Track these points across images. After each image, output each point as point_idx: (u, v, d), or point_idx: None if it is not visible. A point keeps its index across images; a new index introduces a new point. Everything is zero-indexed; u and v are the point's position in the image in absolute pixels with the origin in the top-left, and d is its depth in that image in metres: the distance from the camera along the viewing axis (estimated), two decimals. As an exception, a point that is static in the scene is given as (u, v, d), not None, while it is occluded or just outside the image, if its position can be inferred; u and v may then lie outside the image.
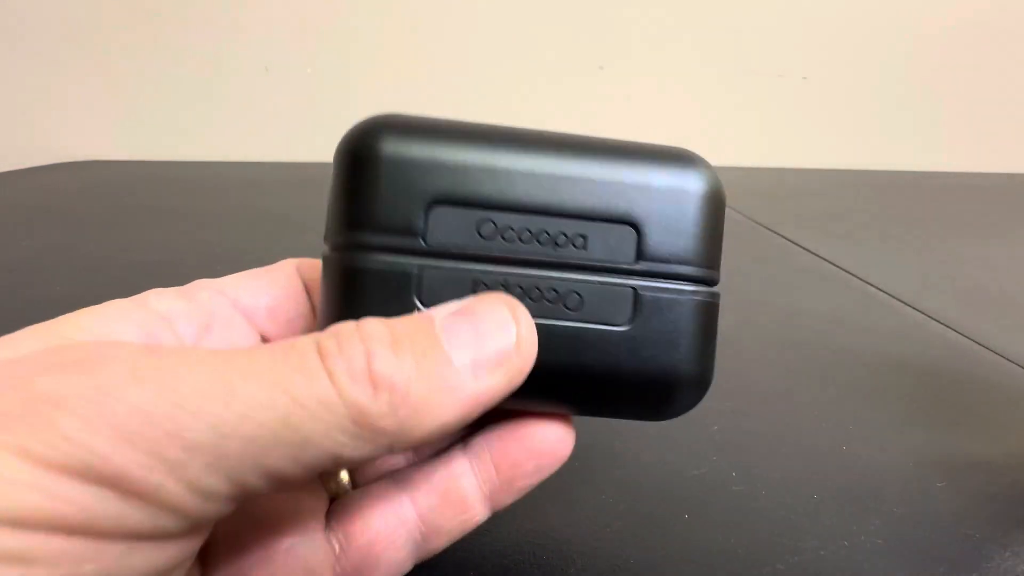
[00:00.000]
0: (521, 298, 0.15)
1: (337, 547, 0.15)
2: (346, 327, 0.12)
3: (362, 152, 0.15)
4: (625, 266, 0.15)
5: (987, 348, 0.34)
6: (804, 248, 0.51)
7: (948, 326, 0.36)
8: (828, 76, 0.86)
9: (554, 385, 0.15)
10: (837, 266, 0.47)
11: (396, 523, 0.15)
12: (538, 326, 0.14)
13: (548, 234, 0.15)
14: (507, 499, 0.16)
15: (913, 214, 0.65)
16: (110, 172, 0.74)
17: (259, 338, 0.17)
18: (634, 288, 0.15)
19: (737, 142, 0.88)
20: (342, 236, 0.15)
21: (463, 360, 0.13)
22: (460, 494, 0.15)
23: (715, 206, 0.16)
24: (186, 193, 0.65)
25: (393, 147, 0.15)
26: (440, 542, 0.16)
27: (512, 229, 0.15)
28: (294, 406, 0.11)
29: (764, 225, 0.57)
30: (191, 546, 0.12)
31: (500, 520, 0.20)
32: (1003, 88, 0.88)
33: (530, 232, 0.15)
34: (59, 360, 0.11)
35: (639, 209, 0.15)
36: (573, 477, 0.22)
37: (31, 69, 0.78)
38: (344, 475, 0.17)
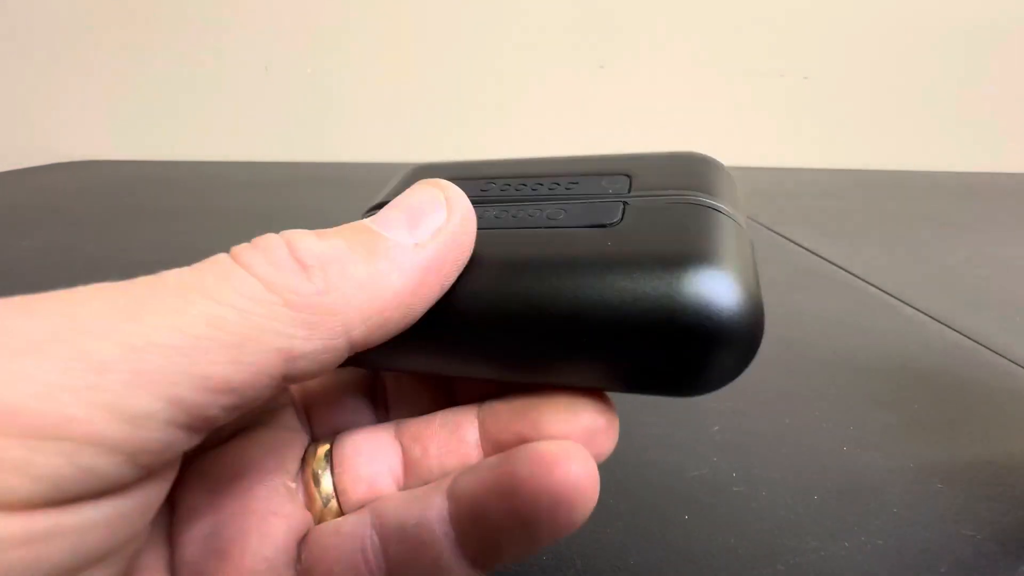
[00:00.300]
0: (502, 216, 0.15)
1: None
2: (263, 235, 0.11)
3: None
4: (619, 192, 0.15)
5: (987, 348, 0.34)
6: (804, 248, 0.51)
7: (948, 326, 0.36)
8: (829, 76, 0.86)
9: (542, 294, 0.12)
10: (837, 266, 0.47)
11: (361, 573, 0.13)
12: (520, 232, 0.14)
13: (542, 184, 0.16)
14: (499, 562, 0.12)
15: (913, 214, 0.65)
16: (110, 172, 0.74)
17: None
18: (624, 200, 0.14)
19: (737, 142, 0.88)
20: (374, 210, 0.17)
21: (400, 236, 0.12)
22: (434, 553, 0.12)
23: (711, 163, 0.16)
24: (186, 193, 0.65)
25: (423, 167, 0.18)
26: None
27: (509, 186, 0.16)
28: (216, 306, 0.10)
29: (764, 225, 0.57)
30: (142, 501, 0.10)
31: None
32: (1003, 88, 0.88)
33: (525, 185, 0.16)
34: None
35: (631, 168, 0.16)
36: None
37: (31, 69, 0.78)
38: (328, 491, 0.14)
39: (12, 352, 0.09)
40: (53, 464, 0.08)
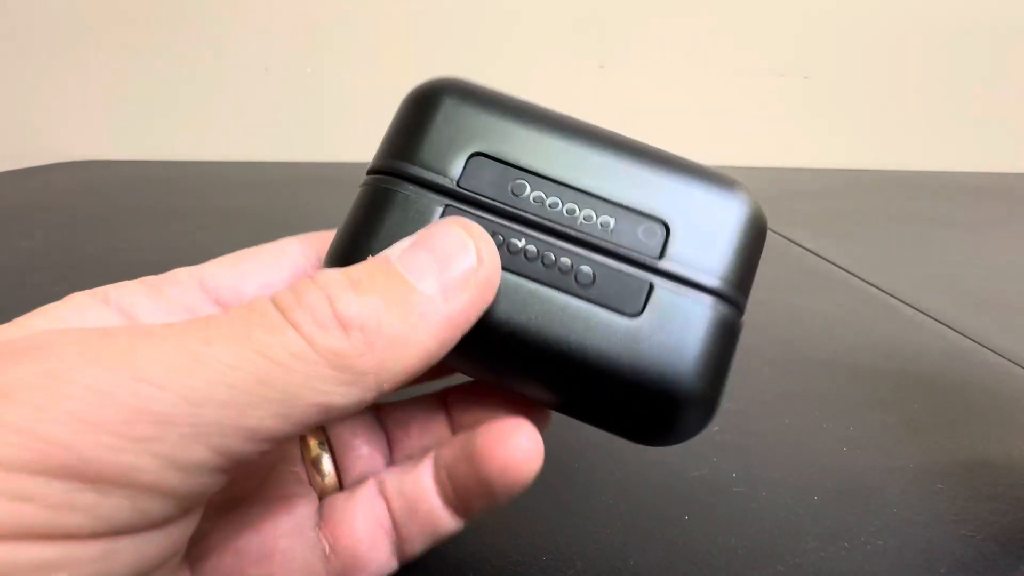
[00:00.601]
0: (533, 261, 0.15)
1: (327, 546, 0.15)
2: (302, 281, 0.12)
3: (422, 98, 0.15)
4: (647, 260, 0.15)
5: (987, 348, 0.34)
6: (804, 248, 0.51)
7: (948, 326, 0.36)
8: (829, 76, 0.86)
9: (550, 363, 0.14)
10: (837, 266, 0.47)
11: (376, 527, 0.16)
12: (544, 295, 0.14)
13: (577, 209, 0.15)
14: (475, 513, 0.16)
15: (913, 214, 0.65)
16: (110, 172, 0.74)
17: None
18: (651, 283, 0.15)
19: (737, 142, 0.88)
20: (382, 162, 0.15)
21: (429, 286, 0.12)
22: (427, 506, 0.16)
23: (753, 231, 0.15)
24: (186, 193, 0.65)
25: (453, 99, 0.15)
26: (414, 548, 0.16)
27: (543, 195, 0.15)
28: (266, 363, 0.11)
29: (764, 225, 0.57)
30: (181, 532, 0.11)
31: (499, 521, 0.20)
32: (1003, 88, 0.88)
33: (559, 201, 0.15)
34: (2, 353, 0.10)
35: (674, 210, 0.15)
36: (573, 478, 0.22)
37: (31, 69, 0.78)
38: (330, 472, 0.17)
39: (81, 401, 0.09)
40: (115, 507, 0.10)
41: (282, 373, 0.11)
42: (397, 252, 0.13)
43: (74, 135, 0.81)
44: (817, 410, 0.27)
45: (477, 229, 0.14)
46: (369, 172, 0.15)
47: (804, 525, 0.20)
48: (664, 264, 0.15)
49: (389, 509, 0.16)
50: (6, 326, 0.13)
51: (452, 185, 0.15)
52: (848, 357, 0.32)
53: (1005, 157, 0.90)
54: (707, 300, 0.15)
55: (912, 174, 0.85)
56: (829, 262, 0.48)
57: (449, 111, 0.15)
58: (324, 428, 0.17)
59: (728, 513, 0.21)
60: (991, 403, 0.28)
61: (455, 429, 0.17)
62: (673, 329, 0.14)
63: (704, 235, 0.15)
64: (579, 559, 0.18)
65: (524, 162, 0.15)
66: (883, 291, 0.42)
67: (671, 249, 0.15)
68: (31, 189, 0.66)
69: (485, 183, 0.15)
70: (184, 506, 0.11)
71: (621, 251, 0.15)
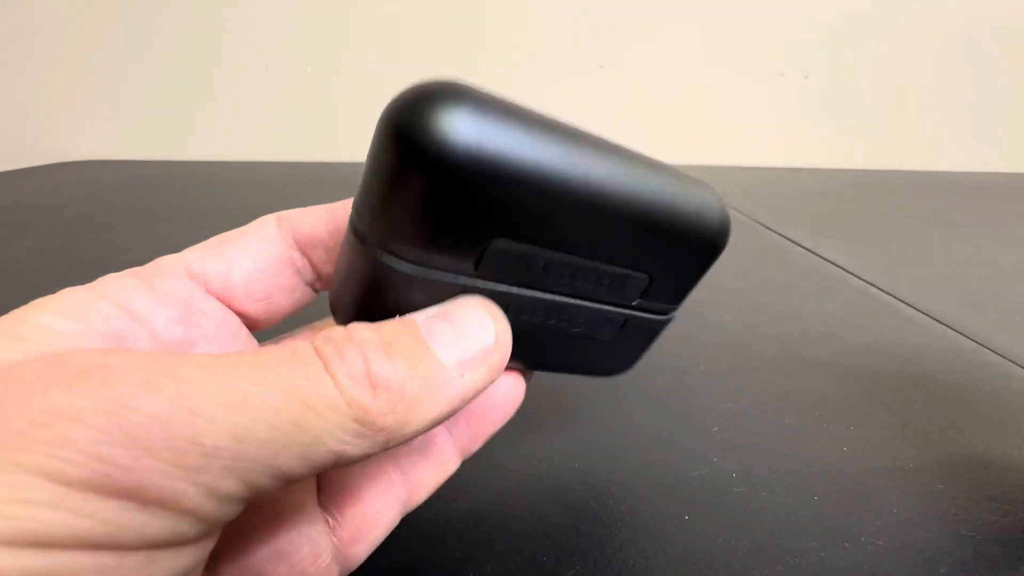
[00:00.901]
0: (536, 318, 0.16)
1: (331, 520, 0.16)
2: (338, 333, 0.13)
3: (429, 150, 0.11)
4: (628, 303, 0.17)
5: (987, 348, 0.34)
6: (804, 248, 0.51)
7: (948, 326, 0.36)
8: (829, 75, 0.87)
9: (531, 361, 0.18)
10: (837, 266, 0.47)
11: (383, 488, 0.17)
12: (542, 337, 0.17)
13: (582, 275, 0.16)
14: (474, 447, 0.18)
15: (913, 214, 0.65)
16: (110, 172, 0.74)
17: (237, 320, 0.17)
18: (626, 317, 0.17)
19: (737, 142, 0.88)
20: (387, 242, 0.13)
21: (450, 359, 0.14)
22: (438, 450, 0.18)
23: (713, 262, 0.17)
24: (186, 193, 0.65)
25: (467, 154, 0.11)
26: (423, 495, 0.17)
27: (556, 267, 0.15)
28: (304, 408, 0.11)
29: (764, 225, 0.57)
30: (205, 550, 0.12)
31: (499, 521, 0.20)
32: (1004, 88, 0.88)
33: (569, 272, 0.15)
34: (65, 372, 0.11)
35: (660, 263, 0.16)
36: (574, 478, 0.22)
37: (31, 69, 0.78)
38: None
39: (143, 429, 0.10)
40: (158, 527, 0.11)
41: (315, 419, 0.12)
42: (423, 319, 0.14)
43: (74, 135, 0.81)
44: (817, 410, 0.27)
45: (497, 312, 0.15)
46: (375, 243, 0.13)
47: (804, 525, 0.20)
48: (639, 303, 0.17)
49: (397, 465, 0.17)
50: (8, 320, 0.13)
51: (471, 270, 0.14)
52: (848, 357, 0.32)
53: (1005, 157, 0.90)
54: (660, 319, 0.18)
55: (912, 174, 0.85)
56: (829, 262, 0.48)
57: (464, 175, 0.12)
58: None
59: (728, 513, 0.21)
60: (991, 403, 0.28)
61: None
62: (630, 343, 0.18)
63: (676, 275, 0.17)
64: (579, 559, 0.18)
65: (542, 243, 0.14)
66: (883, 291, 0.42)
67: (649, 292, 0.17)
68: (31, 189, 0.66)
69: (503, 266, 0.14)
70: (209, 530, 0.12)
71: (612, 300, 0.17)
